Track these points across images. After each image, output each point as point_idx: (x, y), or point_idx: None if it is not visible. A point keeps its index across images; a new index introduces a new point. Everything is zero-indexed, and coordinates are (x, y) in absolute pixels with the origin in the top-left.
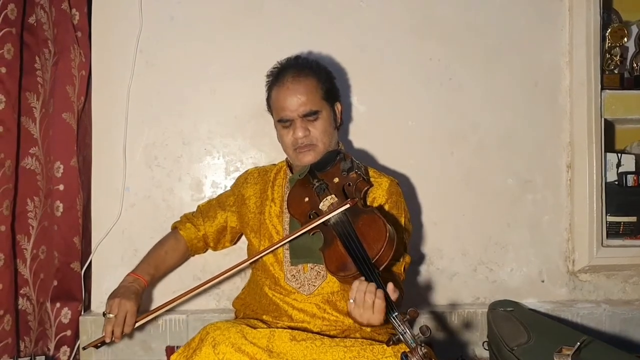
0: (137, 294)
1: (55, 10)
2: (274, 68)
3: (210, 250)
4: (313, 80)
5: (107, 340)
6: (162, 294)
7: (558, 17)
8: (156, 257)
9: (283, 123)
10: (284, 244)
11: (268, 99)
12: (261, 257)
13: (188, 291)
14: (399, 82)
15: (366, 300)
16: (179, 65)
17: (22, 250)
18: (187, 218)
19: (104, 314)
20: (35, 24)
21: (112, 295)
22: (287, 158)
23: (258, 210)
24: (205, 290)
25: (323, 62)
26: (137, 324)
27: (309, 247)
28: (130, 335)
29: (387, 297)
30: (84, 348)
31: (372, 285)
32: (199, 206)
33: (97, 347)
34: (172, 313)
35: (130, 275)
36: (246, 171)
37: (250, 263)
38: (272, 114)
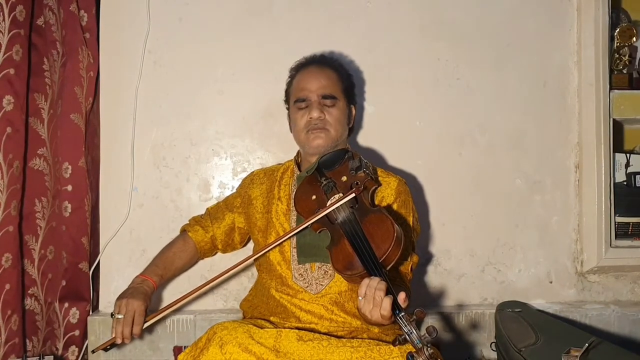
0: (146, 294)
1: (63, 11)
2: (298, 61)
3: (219, 254)
4: (336, 73)
5: (118, 342)
6: (170, 294)
7: (566, 17)
8: (165, 259)
9: (299, 103)
10: (289, 237)
11: (288, 87)
12: (265, 252)
13: (194, 290)
14: (407, 83)
15: (375, 298)
16: (187, 66)
17: (30, 251)
18: (196, 221)
19: (111, 315)
20: (43, 25)
21: (121, 297)
22: (295, 156)
23: (265, 210)
24: (212, 290)
25: None
26: (146, 324)
27: (316, 246)
28: (140, 337)
29: (394, 298)
30: (92, 351)
31: (383, 283)
32: (207, 209)
33: (106, 349)
34: (179, 313)
35: (139, 277)
36: (251, 172)
37: (255, 259)
38: (288, 104)
